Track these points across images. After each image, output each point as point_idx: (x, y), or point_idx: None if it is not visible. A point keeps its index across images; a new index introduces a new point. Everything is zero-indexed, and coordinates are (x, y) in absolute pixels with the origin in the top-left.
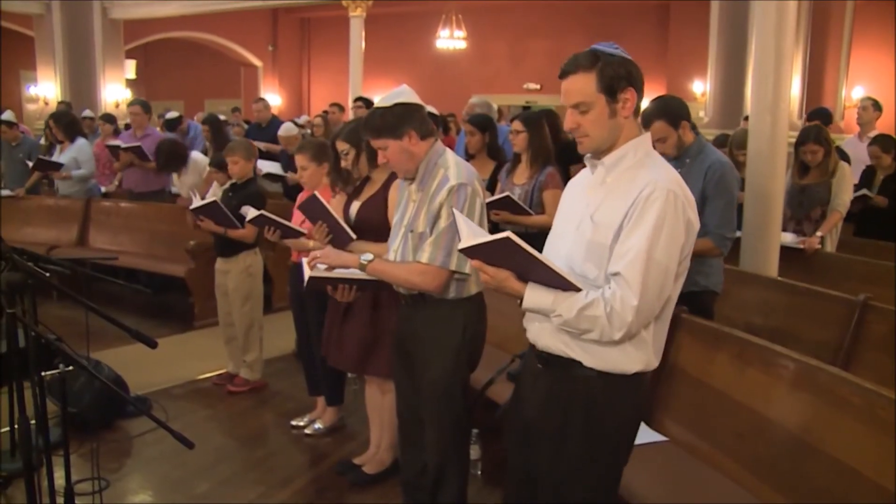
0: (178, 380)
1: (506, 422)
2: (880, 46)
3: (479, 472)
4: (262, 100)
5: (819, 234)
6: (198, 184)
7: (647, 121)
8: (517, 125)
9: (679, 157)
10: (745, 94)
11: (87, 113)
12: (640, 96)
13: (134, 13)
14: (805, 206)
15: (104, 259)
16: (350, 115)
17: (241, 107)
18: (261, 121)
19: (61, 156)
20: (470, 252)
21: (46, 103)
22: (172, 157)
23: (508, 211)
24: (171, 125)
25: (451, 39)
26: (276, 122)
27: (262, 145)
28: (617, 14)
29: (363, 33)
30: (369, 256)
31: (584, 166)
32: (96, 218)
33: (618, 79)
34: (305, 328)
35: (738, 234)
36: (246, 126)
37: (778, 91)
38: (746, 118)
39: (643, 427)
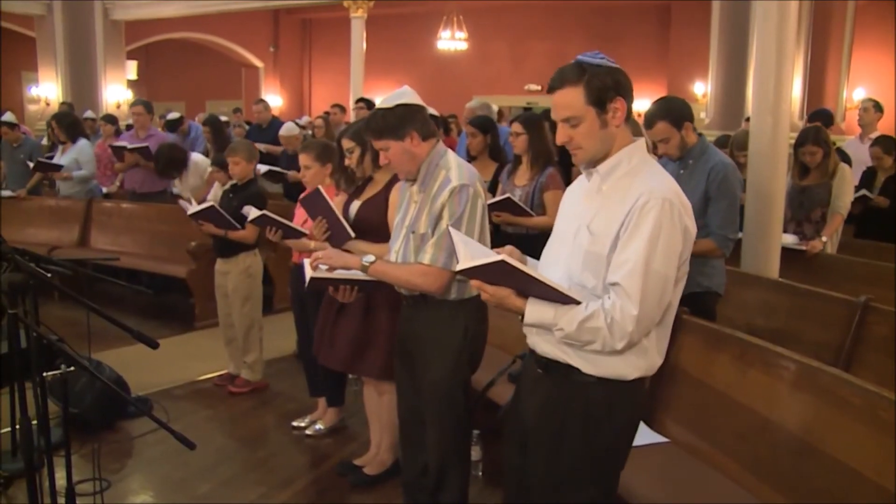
0: (179, 380)
1: (505, 425)
2: (881, 47)
3: (480, 473)
4: (263, 101)
5: (823, 238)
6: (199, 186)
7: (650, 122)
8: (517, 127)
9: (682, 158)
10: (746, 95)
11: (89, 114)
12: (629, 104)
13: (135, 14)
14: (805, 207)
15: (105, 260)
16: (351, 116)
17: (242, 108)
18: (261, 122)
19: (63, 156)
20: (468, 273)
21: (48, 104)
22: (171, 162)
23: (509, 212)
24: (172, 126)
25: (452, 40)
26: (276, 123)
27: (262, 147)
28: (618, 15)
29: (364, 34)
30: (371, 258)
31: None
32: (97, 219)
33: (606, 89)
34: (306, 329)
35: (740, 235)
36: (247, 127)
37: (779, 92)
38: (748, 119)
39: (644, 428)
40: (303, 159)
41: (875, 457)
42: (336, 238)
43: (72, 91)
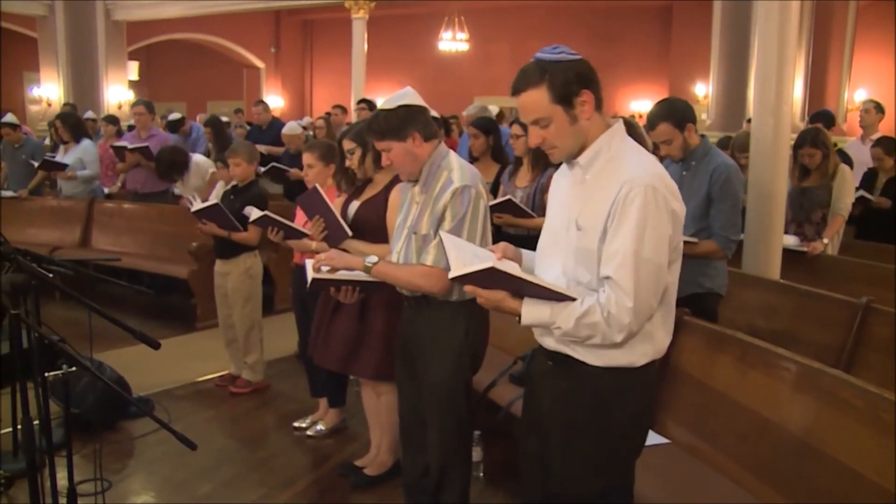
0: (181, 381)
1: (520, 418)
2: (883, 48)
3: (482, 474)
4: (262, 102)
5: (825, 240)
6: (201, 186)
7: (653, 123)
8: (517, 129)
9: (685, 160)
10: (747, 96)
11: (89, 114)
12: (596, 93)
13: (137, 15)
14: (805, 208)
15: (107, 260)
16: (353, 116)
17: (243, 108)
18: (261, 123)
19: (66, 156)
20: (461, 280)
21: (49, 105)
22: (173, 165)
23: (511, 214)
24: (173, 126)
25: (453, 41)
26: (276, 124)
27: (263, 148)
28: (619, 16)
29: (366, 35)
30: (374, 259)
31: None
32: (99, 219)
33: (569, 85)
34: (307, 330)
35: (742, 236)
36: (248, 128)
37: (780, 93)
38: (749, 120)
39: None
40: (307, 158)
41: (876, 458)
42: (333, 237)
43: (73, 92)
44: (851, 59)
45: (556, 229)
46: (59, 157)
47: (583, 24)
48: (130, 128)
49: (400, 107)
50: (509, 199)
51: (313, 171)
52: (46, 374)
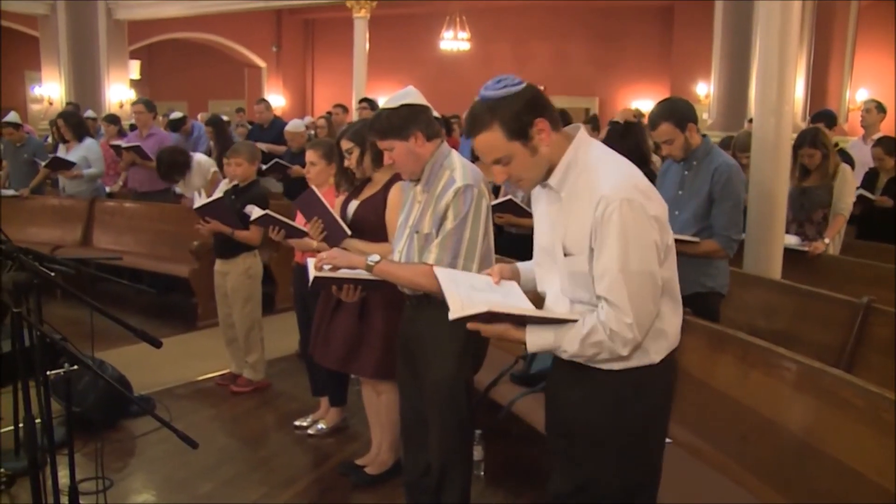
0: (182, 380)
1: (546, 422)
2: (884, 48)
3: (483, 473)
4: (264, 101)
5: (826, 240)
6: (203, 186)
7: (654, 123)
8: None
9: (686, 160)
10: (748, 96)
11: (90, 113)
12: (550, 116)
13: (138, 14)
14: (806, 208)
15: (108, 259)
16: (354, 116)
17: (245, 107)
18: (262, 122)
19: (68, 155)
20: (462, 321)
21: (51, 103)
22: (173, 166)
23: (512, 213)
24: (175, 125)
25: (454, 41)
26: (277, 123)
27: (264, 146)
28: (620, 16)
29: (367, 34)
30: (376, 257)
31: None
32: (100, 218)
33: (520, 117)
34: (308, 329)
35: (743, 236)
36: (249, 127)
37: (782, 93)
38: (750, 120)
39: None
40: (310, 155)
41: (877, 458)
42: (332, 237)
43: (75, 90)
44: (853, 59)
45: (546, 249)
46: (61, 156)
47: (584, 24)
48: (132, 127)
49: (402, 106)
50: (511, 199)
51: (315, 169)
52: (48, 373)
